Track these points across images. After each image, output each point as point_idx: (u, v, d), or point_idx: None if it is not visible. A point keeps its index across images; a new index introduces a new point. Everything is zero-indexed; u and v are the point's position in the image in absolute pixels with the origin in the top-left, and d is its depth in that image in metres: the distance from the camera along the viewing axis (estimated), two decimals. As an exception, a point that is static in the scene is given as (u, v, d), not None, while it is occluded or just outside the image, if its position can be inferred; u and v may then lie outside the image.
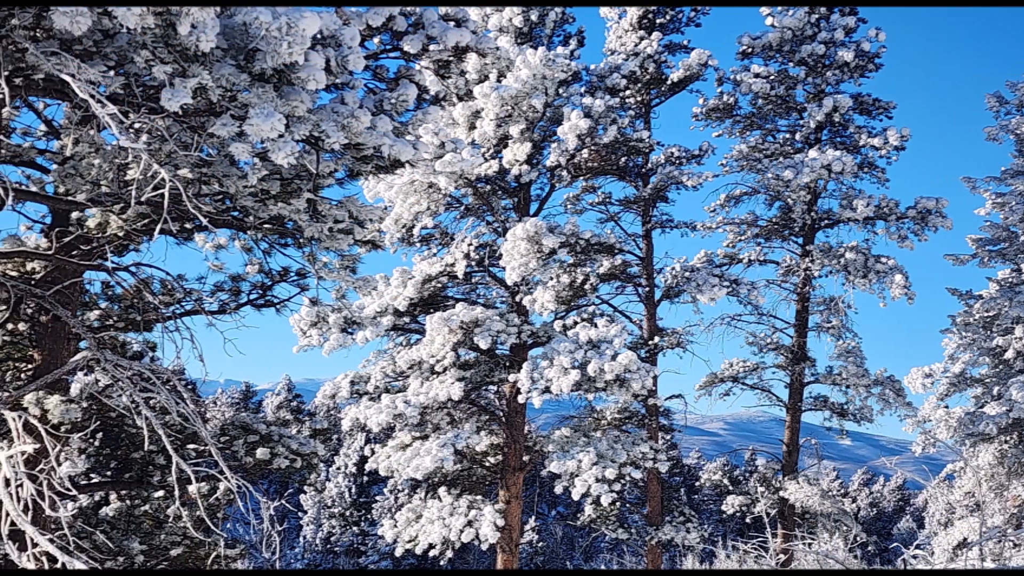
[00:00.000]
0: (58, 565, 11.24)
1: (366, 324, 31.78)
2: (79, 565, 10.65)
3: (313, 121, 13.22)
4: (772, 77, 37.06)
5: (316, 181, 17.20)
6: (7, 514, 10.99)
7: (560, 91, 31.97)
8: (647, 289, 37.78)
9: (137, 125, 12.74)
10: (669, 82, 36.51)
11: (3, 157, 17.37)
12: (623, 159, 35.96)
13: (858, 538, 35.21)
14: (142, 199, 13.94)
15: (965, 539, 35.90)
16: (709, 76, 37.38)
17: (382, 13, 14.21)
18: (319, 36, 12.62)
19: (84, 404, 20.15)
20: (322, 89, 12.72)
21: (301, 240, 19.63)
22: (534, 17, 34.32)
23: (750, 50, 37.71)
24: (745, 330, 39.71)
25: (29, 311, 20.27)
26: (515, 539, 31.78)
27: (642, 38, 36.61)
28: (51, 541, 10.99)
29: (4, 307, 18.49)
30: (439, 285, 32.77)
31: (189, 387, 30.02)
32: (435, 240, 34.69)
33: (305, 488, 70.18)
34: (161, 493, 26.92)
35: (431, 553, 31.08)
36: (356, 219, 19.18)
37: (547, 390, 28.15)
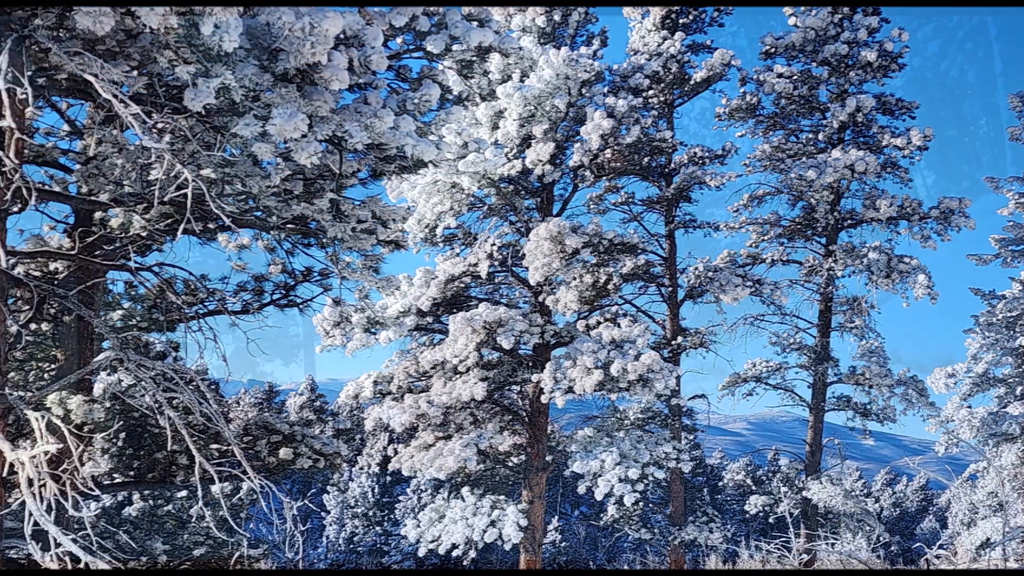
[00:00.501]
0: (81, 565, 11.24)
1: (389, 324, 31.79)
2: (102, 565, 10.66)
3: (336, 121, 13.19)
4: (795, 77, 36.95)
5: (339, 181, 17.17)
6: (30, 514, 11.00)
7: (583, 91, 31.92)
8: (670, 289, 37.72)
9: (160, 125, 12.73)
10: (692, 82, 36.42)
11: (26, 157, 17.38)
12: (646, 159, 35.89)
13: (881, 538, 35.09)
14: (165, 199, 13.93)
15: (988, 539, 35.81)
16: (732, 76, 37.27)
17: (405, 13, 14.17)
18: (342, 36, 12.59)
19: (107, 404, 20.15)
20: (345, 89, 12.68)
21: (324, 240, 19.60)
22: (557, 17, 34.26)
23: (773, 50, 37.62)
24: (768, 330, 39.65)
25: (52, 311, 20.31)
26: (538, 539, 31.76)
27: (665, 38, 36.49)
28: (74, 541, 10.99)
29: (27, 307, 18.51)
30: (462, 285, 32.76)
31: (212, 387, 30.07)
32: (458, 240, 34.66)
33: (328, 488, 70.21)
34: (184, 493, 26.98)
35: (454, 553, 31.06)
36: (379, 219, 19.17)
37: (570, 390, 28.14)
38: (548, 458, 32.34)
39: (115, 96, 10.68)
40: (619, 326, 29.11)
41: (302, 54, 11.72)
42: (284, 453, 22.63)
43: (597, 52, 35.22)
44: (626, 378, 27.30)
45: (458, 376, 30.53)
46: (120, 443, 26.56)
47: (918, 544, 45.07)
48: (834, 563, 33.35)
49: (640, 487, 29.74)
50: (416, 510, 55.22)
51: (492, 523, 30.21)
